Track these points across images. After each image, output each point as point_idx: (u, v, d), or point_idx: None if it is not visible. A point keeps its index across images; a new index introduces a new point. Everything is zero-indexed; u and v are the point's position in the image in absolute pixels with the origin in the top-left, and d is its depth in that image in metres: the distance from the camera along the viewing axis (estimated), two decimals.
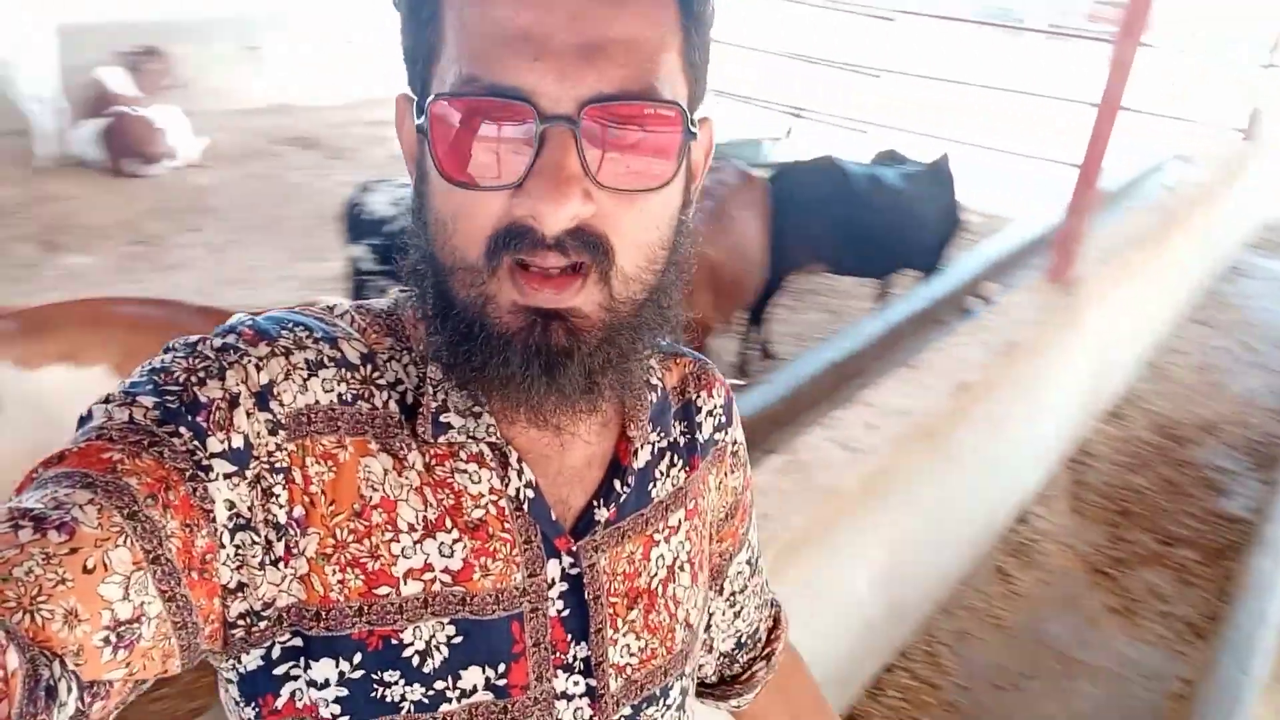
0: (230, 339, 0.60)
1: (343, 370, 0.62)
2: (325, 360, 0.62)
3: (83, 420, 0.57)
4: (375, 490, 0.61)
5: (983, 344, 3.01)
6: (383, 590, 0.61)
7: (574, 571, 0.67)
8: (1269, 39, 7.63)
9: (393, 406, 0.63)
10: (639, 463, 0.72)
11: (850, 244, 4.78)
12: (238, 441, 0.57)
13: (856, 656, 2.72)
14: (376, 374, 0.63)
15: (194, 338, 0.60)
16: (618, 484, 0.70)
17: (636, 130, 0.57)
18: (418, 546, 0.62)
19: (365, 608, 0.60)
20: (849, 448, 2.38)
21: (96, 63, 7.09)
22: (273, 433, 0.58)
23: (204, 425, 0.56)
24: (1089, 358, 4.04)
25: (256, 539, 0.57)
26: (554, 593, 0.66)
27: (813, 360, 3.52)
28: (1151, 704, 2.88)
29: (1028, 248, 4.75)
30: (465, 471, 0.64)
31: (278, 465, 0.58)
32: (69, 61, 6.97)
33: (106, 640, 0.49)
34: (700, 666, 0.90)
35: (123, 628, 0.50)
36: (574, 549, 0.67)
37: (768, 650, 0.93)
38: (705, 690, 0.93)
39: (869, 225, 4.74)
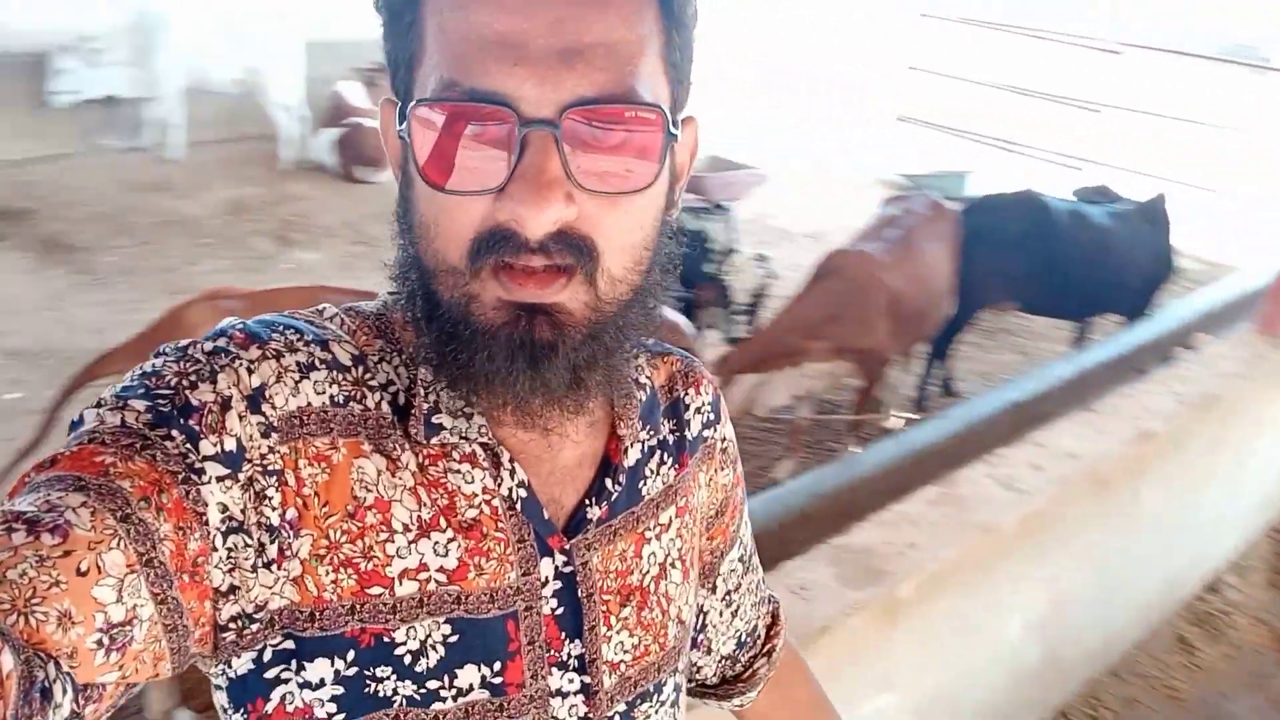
0: (221, 342, 0.60)
1: (334, 372, 0.62)
2: (317, 362, 0.62)
3: (74, 425, 0.57)
4: (369, 491, 0.62)
5: (1175, 394, 2.83)
6: (375, 590, 0.61)
7: (567, 570, 0.68)
8: None
9: (385, 408, 0.63)
10: (629, 461, 0.72)
11: (1047, 283, 4.58)
12: (230, 444, 0.57)
13: (1009, 708, 2.61)
14: (368, 375, 0.64)
15: (185, 341, 0.61)
16: (609, 482, 0.70)
17: (618, 133, 0.57)
18: (412, 546, 0.63)
19: (357, 606, 0.61)
20: (1011, 486, 2.31)
21: (337, 77, 7.80)
22: (265, 435, 0.58)
23: (196, 428, 0.56)
24: None
25: (249, 542, 0.57)
26: (548, 591, 0.67)
27: (992, 399, 3.40)
28: None
29: (1249, 299, 4.40)
30: (458, 472, 0.64)
31: (270, 468, 0.58)
32: (313, 74, 7.71)
33: (100, 643, 0.49)
34: (699, 669, 0.91)
35: (115, 630, 0.50)
36: (567, 547, 0.68)
37: (768, 647, 0.93)
38: (707, 691, 0.93)
39: (1068, 264, 4.53)
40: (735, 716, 0.96)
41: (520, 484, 0.66)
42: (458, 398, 0.63)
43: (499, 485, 0.65)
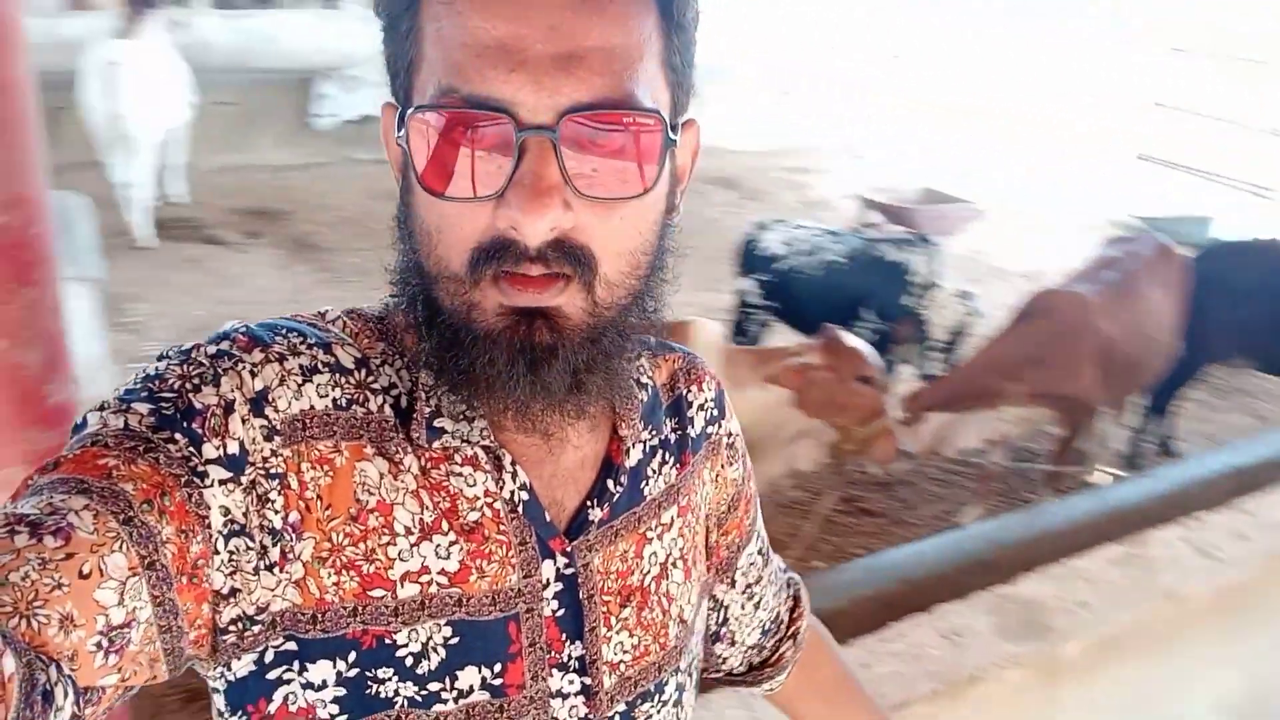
0: (224, 345, 0.60)
1: (337, 375, 0.63)
2: (319, 366, 0.62)
3: (77, 428, 0.57)
4: (371, 494, 0.62)
5: None
6: (377, 592, 0.62)
7: (568, 572, 0.68)
8: None
9: (387, 411, 0.64)
10: (631, 461, 0.72)
11: None
12: (233, 448, 0.57)
13: None
14: (371, 379, 0.64)
15: (188, 344, 0.61)
16: (610, 483, 0.70)
17: (616, 138, 0.57)
18: (415, 549, 0.63)
19: (359, 608, 0.62)
20: (1207, 554, 2.12)
21: None
22: (268, 439, 0.59)
23: (199, 431, 0.56)
24: None
25: (251, 545, 0.58)
26: (549, 593, 0.67)
27: (1210, 461, 3.12)
28: None
29: None
30: (460, 474, 0.65)
31: (273, 471, 0.59)
32: None
33: (100, 645, 0.49)
34: (724, 660, 0.91)
35: (115, 633, 0.50)
36: (568, 549, 0.68)
37: (792, 630, 0.93)
38: (736, 679, 0.94)
39: None
40: (766, 702, 0.98)
41: (522, 487, 0.66)
42: (459, 401, 0.63)
43: (501, 488, 0.66)
